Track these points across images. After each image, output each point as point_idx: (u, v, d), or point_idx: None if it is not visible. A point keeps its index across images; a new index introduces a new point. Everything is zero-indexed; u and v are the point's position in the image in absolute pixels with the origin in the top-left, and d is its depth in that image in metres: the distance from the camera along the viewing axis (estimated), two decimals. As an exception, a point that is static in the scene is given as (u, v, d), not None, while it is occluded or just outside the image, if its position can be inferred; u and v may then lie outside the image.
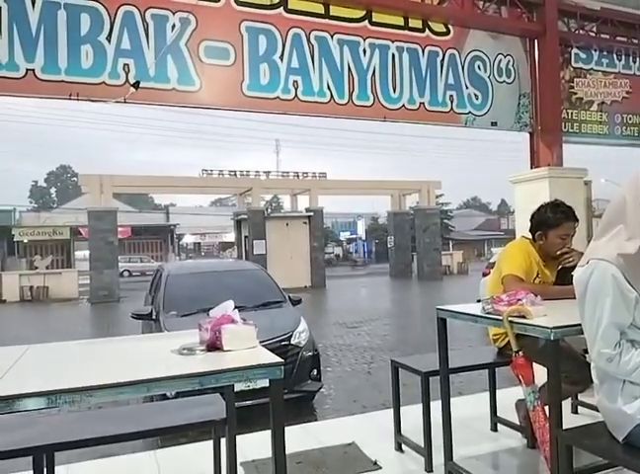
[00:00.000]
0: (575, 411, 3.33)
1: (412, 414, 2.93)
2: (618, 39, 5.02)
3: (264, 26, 3.80)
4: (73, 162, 59.61)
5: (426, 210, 23.57)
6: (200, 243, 41.40)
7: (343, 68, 4.01)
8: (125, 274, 28.65)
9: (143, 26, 3.45)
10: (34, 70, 3.16)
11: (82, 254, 25.31)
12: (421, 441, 2.68)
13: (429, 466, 2.62)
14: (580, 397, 3.26)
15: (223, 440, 2.25)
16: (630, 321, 1.54)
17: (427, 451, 2.63)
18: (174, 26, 3.53)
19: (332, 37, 3.98)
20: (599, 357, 1.58)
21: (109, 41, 3.38)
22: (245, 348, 1.65)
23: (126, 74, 3.42)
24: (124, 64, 3.42)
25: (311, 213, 21.04)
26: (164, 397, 3.87)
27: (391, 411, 2.99)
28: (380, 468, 2.68)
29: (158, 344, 2.07)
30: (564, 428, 1.83)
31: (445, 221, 37.40)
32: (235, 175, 22.92)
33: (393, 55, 4.17)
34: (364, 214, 41.81)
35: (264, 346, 4.92)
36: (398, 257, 24.64)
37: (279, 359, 1.52)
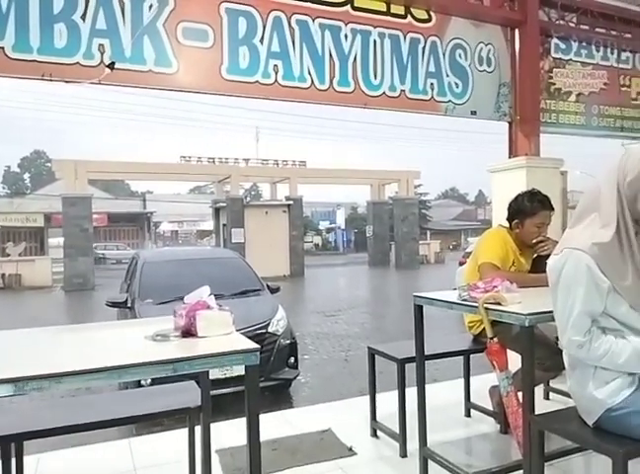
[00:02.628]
0: (547, 397, 3.40)
1: (388, 400, 2.95)
2: (597, 30, 5.06)
3: (244, 8, 3.72)
4: (47, 147, 58.23)
5: (404, 200, 23.73)
6: (177, 231, 41.00)
7: (324, 53, 3.96)
8: (101, 261, 28.21)
9: (120, 5, 3.35)
10: (3, 48, 3.04)
11: (56, 241, 24.82)
12: (396, 428, 2.70)
13: (403, 452, 2.64)
14: (551, 383, 3.32)
15: (199, 428, 2.23)
16: (602, 309, 1.56)
17: (401, 437, 2.65)
18: (151, 6, 3.43)
19: (313, 21, 3.92)
20: (569, 345, 1.60)
21: (83, 20, 3.27)
22: (220, 334, 1.63)
23: (101, 55, 3.31)
24: (100, 44, 3.31)
25: (291, 202, 20.97)
26: (139, 385, 3.83)
27: (367, 398, 3.01)
28: (355, 454, 2.70)
29: (131, 330, 2.02)
30: (536, 413, 1.85)
31: (424, 211, 37.73)
32: (214, 162, 22.64)
33: (375, 41, 4.13)
34: (344, 204, 41.88)
35: (241, 334, 4.90)
36: (377, 246, 24.79)
37: (254, 345, 1.50)
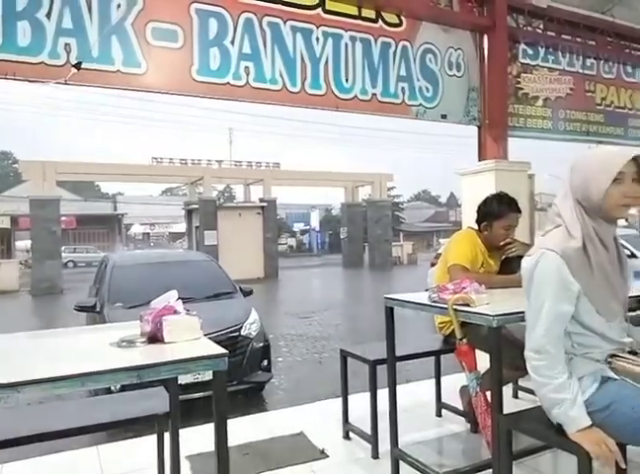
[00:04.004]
0: (515, 395, 3.46)
1: (361, 402, 2.95)
2: (563, 36, 5.20)
3: (214, 9, 3.69)
4: (14, 148, 56.61)
5: (378, 202, 23.92)
6: (149, 233, 40.37)
7: (295, 56, 3.96)
8: (70, 265, 27.56)
9: (86, 4, 3.29)
10: (-38, 46, 2.96)
11: (23, 244, 24.13)
12: (368, 429, 2.71)
13: (375, 453, 2.65)
14: (520, 382, 3.38)
15: (168, 434, 2.19)
16: (572, 312, 1.57)
17: (373, 439, 2.66)
18: (119, 5, 3.39)
19: (285, 23, 3.92)
20: (529, 349, 1.63)
21: (48, 19, 3.21)
22: (188, 339, 1.60)
23: (68, 54, 3.25)
24: (65, 43, 3.25)
25: (264, 204, 20.89)
26: (109, 390, 3.75)
27: (340, 400, 3.01)
28: (328, 456, 2.70)
29: (97, 336, 1.97)
30: (505, 412, 1.88)
31: (397, 213, 38.04)
32: (186, 163, 22.41)
33: (346, 45, 4.16)
34: (318, 205, 41.90)
35: (213, 337, 4.83)
36: (351, 248, 24.90)
37: (222, 351, 1.48)
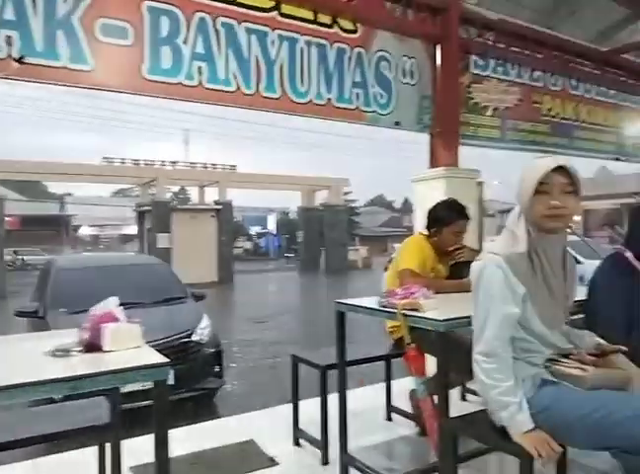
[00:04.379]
0: (463, 398, 3.52)
1: (312, 407, 2.93)
2: (513, 49, 5.38)
3: (167, 7, 3.60)
4: (-47, 144, 53.60)
5: (334, 207, 24.06)
6: (98, 235, 39.08)
7: (250, 58, 3.92)
8: (16, 266, 26.33)
9: (31, -4, 3.14)
10: None
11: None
12: (319, 435, 2.69)
13: (325, 459, 2.64)
14: (468, 384, 3.45)
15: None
16: (519, 315, 1.60)
17: (323, 445, 2.65)
18: (66, -1, 3.26)
19: (239, 24, 3.87)
20: (479, 349, 1.66)
21: (-13, 10, 3.04)
22: (128, 347, 1.54)
23: (9, 47, 3.09)
24: (7, 36, 3.09)
25: (220, 206, 20.60)
26: (52, 401, 3.58)
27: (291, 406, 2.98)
28: (277, 464, 2.66)
29: (32, 344, 1.87)
30: (452, 415, 1.90)
31: (353, 218, 38.40)
32: (138, 164, 21.82)
33: (302, 49, 4.15)
34: (276, 209, 41.78)
35: (162, 343, 4.69)
36: (307, 252, 24.93)
37: (164, 359, 1.43)
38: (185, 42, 3.69)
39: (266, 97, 3.97)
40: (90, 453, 2.55)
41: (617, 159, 6.83)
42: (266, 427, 3.19)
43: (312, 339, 8.39)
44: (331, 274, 22.75)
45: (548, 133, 5.83)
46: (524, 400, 1.60)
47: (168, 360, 1.44)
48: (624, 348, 1.68)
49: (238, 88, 3.85)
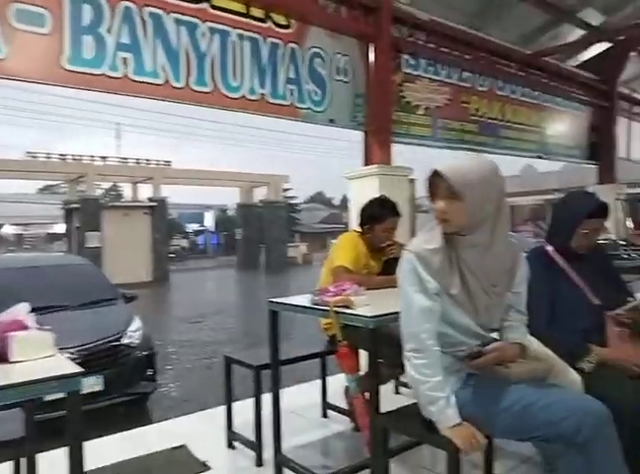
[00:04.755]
0: (397, 391, 3.59)
1: (247, 409, 2.88)
2: (442, 49, 5.53)
3: (89, -6, 3.42)
4: None
5: (274, 204, 23.94)
6: (22, 234, 36.80)
7: (179, 50, 3.79)
8: None
9: None
10: None
11: None
12: (253, 436, 2.65)
13: (259, 461, 2.60)
14: (401, 378, 3.50)
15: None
16: (435, 308, 1.62)
17: (257, 446, 2.61)
18: (-26, -20, 3.01)
19: (168, 14, 3.73)
20: (409, 345, 1.67)
21: None
22: (39, 357, 1.43)
23: None
24: None
25: (154, 203, 19.93)
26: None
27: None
28: (210, 468, 2.59)
29: None
30: (386, 409, 1.91)
31: (292, 214, 38.37)
32: (65, 159, 20.70)
33: (234, 42, 4.06)
34: (213, 206, 41.00)
35: (89, 348, 4.46)
36: (246, 249, 24.67)
37: (77, 369, 1.33)
38: (109, 32, 3.51)
39: (196, 91, 3.86)
40: (4, 469, 2.38)
41: (540, 157, 7.21)
42: (199, 430, 3.11)
43: (251, 338, 8.29)
44: (271, 271, 22.64)
45: (476, 132, 6.06)
46: (452, 395, 1.63)
47: (81, 370, 1.34)
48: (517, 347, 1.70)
49: (167, 81, 3.72)
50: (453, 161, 1.62)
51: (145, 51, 3.64)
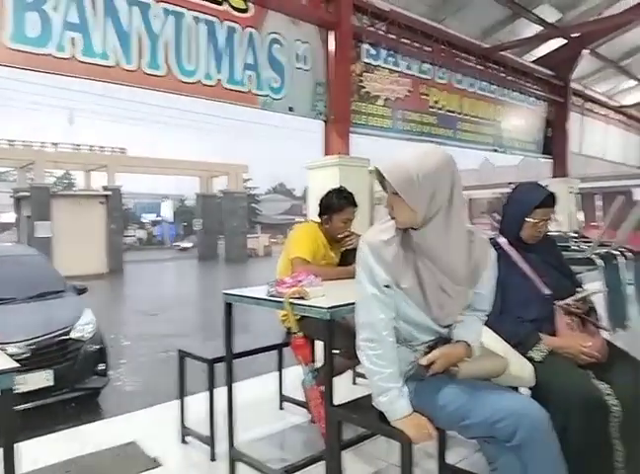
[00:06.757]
0: (354, 382, 3.58)
1: (201, 403, 2.81)
2: (403, 40, 5.53)
3: (31, -32, 3.22)
4: None
5: (234, 194, 23.64)
6: (-32, 223, 35.08)
7: (131, 31, 3.64)
8: None
9: None
10: None
11: None
12: (207, 431, 2.58)
13: (212, 455, 2.54)
14: (358, 368, 3.50)
15: None
16: (385, 299, 1.58)
17: (211, 440, 2.55)
18: None
19: (118, -6, 3.57)
20: (363, 335, 1.64)
21: None
22: (-34, 352, 1.33)
23: None
24: None
25: (109, 192, 19.31)
26: None
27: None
28: (161, 465, 2.51)
29: None
30: (342, 400, 1.89)
31: (253, 205, 38.10)
32: (13, 145, 19.79)
33: (189, 25, 3.93)
34: (171, 196, 40.19)
35: (36, 342, 4.28)
36: (206, 240, 24.31)
37: (12, 364, 1.24)
38: (55, 10, 3.34)
39: (149, 74, 3.72)
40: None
41: (495, 150, 7.35)
42: (151, 426, 3.01)
43: (208, 330, 8.15)
44: (230, 262, 22.38)
45: (435, 125, 6.11)
46: (405, 386, 1.61)
47: (16, 365, 1.25)
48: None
49: (118, 63, 3.57)
50: (399, 156, 1.57)
51: (95, 32, 3.48)
